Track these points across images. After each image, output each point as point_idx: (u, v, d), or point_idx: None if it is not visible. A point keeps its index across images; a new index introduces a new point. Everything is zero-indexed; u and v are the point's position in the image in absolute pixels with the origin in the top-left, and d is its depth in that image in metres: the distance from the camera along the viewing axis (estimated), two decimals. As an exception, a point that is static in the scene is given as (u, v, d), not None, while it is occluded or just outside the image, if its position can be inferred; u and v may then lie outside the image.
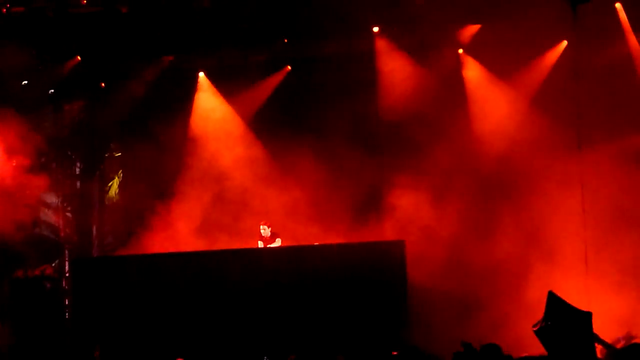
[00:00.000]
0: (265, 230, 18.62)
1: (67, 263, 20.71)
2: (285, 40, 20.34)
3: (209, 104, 21.18)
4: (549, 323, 9.76)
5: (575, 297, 11.14)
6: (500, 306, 17.92)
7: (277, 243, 18.57)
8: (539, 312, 14.62)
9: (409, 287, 17.45)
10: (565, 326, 9.73)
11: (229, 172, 20.60)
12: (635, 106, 18.51)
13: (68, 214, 21.30)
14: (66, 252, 20.98)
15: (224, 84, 20.91)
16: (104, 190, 21.83)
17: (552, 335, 9.76)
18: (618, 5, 18.82)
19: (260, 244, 18.64)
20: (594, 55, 18.44)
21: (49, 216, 20.98)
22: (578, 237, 17.91)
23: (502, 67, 19.45)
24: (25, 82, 20.46)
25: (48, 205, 20.64)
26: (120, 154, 21.98)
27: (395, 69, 19.97)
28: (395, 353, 13.05)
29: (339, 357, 14.77)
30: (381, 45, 20.08)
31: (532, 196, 18.74)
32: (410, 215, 19.08)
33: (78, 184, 21.22)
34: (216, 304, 17.47)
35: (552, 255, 18.03)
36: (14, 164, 19.24)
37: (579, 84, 18.23)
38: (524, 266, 18.26)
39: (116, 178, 21.95)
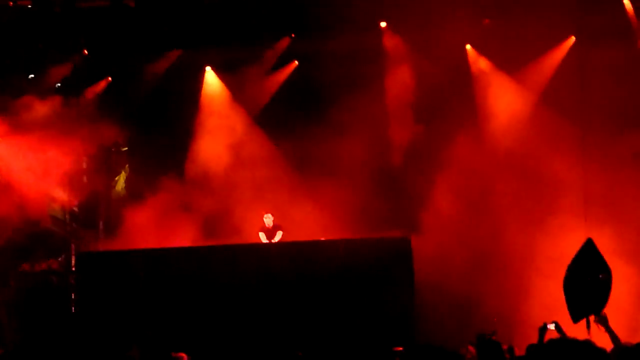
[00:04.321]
0: (268, 219, 18.63)
1: (73, 257, 20.69)
2: (293, 36, 20.33)
3: (215, 98, 21.16)
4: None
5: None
6: (505, 302, 17.89)
7: (279, 236, 18.56)
8: (543, 308, 14.54)
9: (417, 284, 17.44)
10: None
11: (235, 166, 20.58)
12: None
13: (75, 209, 21.28)
14: (72, 246, 20.96)
15: (231, 79, 20.90)
16: (111, 184, 21.81)
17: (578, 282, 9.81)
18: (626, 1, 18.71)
19: (262, 236, 18.61)
20: (602, 52, 18.38)
21: (55, 211, 20.96)
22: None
23: (511, 62, 19.42)
24: (32, 76, 20.44)
25: (55, 200, 20.58)
26: (127, 148, 21.95)
27: (403, 64, 19.91)
28: (399, 349, 13.02)
29: None
30: (389, 40, 20.02)
31: (539, 192, 18.69)
32: (418, 211, 19.06)
33: (85, 178, 21.17)
34: (221, 298, 17.50)
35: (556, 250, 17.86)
36: (21, 158, 19.25)
37: (585, 81, 18.20)
38: (529, 263, 18.23)
39: (123, 172, 21.93)
